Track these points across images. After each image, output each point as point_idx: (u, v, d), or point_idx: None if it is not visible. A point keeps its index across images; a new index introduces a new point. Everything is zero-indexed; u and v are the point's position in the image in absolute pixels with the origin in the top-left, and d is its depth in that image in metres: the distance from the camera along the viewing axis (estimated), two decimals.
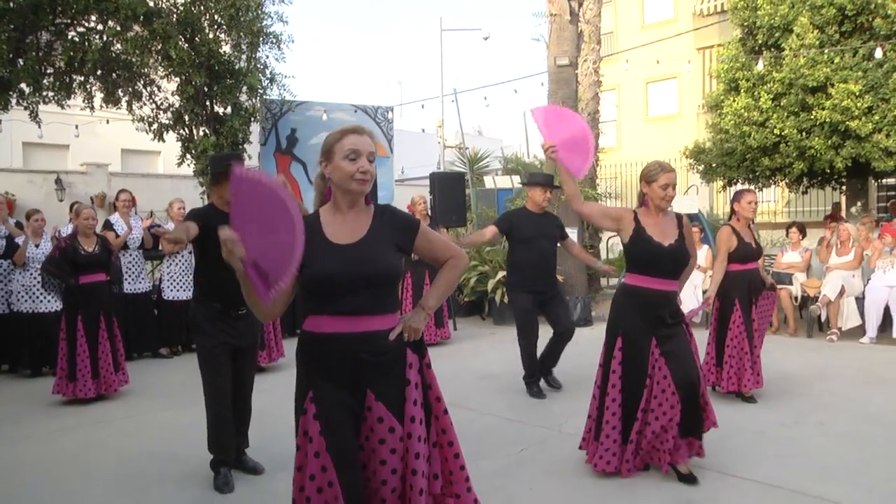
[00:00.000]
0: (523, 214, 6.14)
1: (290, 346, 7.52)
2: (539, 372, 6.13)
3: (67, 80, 10.18)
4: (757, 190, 12.26)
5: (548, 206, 6.15)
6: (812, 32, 11.36)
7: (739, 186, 14.29)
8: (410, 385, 2.49)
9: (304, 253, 2.24)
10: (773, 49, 11.98)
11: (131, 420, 5.71)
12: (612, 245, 14.71)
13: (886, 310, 8.13)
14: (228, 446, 4.08)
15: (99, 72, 10.24)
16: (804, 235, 9.44)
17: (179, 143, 11.13)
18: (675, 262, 3.95)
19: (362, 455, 2.45)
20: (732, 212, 5.89)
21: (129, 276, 8.00)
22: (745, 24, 12.49)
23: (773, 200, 17.59)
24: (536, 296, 5.94)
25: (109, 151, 17.84)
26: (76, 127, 13.90)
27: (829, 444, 4.57)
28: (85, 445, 5.03)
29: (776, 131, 11.34)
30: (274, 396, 5.75)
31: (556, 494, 3.87)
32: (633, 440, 3.92)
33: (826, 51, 11.24)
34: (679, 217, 4.10)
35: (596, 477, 3.99)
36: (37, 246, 7.49)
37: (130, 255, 8.05)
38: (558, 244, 6.20)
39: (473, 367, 7.38)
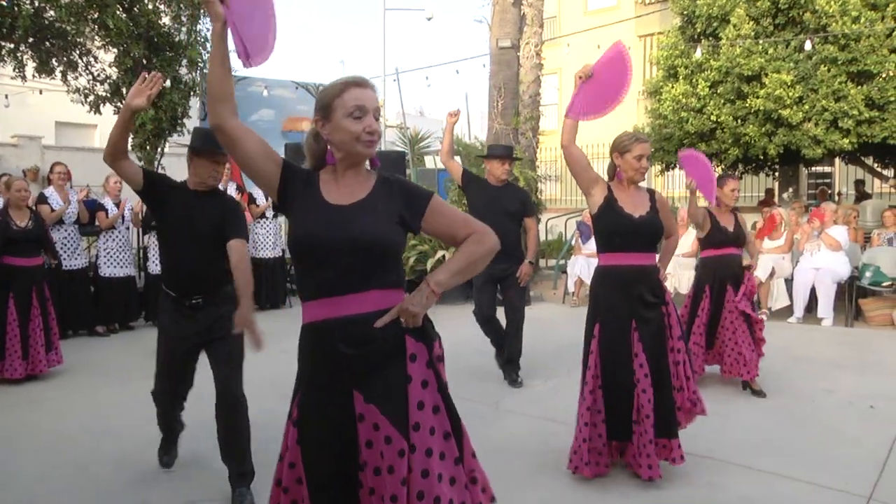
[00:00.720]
0: (481, 183, 5.75)
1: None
2: (504, 367, 5.84)
3: None
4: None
5: (508, 178, 5.78)
6: (748, 23, 11.70)
7: (679, 172, 14.66)
8: (413, 382, 2.00)
9: (296, 214, 2.04)
10: (711, 38, 12.29)
11: (65, 399, 5.57)
12: (551, 227, 14.93)
13: (813, 291, 8.48)
14: (166, 432, 3.92)
15: (31, 39, 9.86)
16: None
17: (116, 117, 10.81)
18: (649, 234, 3.73)
19: (364, 476, 2.00)
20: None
21: (65, 251, 7.75)
22: (685, 12, 12.77)
23: None
24: (492, 275, 5.51)
25: (43, 123, 17.17)
26: (6, 97, 13.35)
27: (758, 418, 4.80)
28: (17, 427, 4.91)
29: (713, 118, 11.67)
30: None
31: (493, 470, 3.91)
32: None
33: (761, 41, 11.59)
34: (651, 191, 3.89)
35: (527, 455, 4.06)
36: None
37: (66, 231, 7.80)
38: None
39: None
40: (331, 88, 2.09)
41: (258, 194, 9.55)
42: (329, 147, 2.12)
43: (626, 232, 3.67)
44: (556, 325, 8.27)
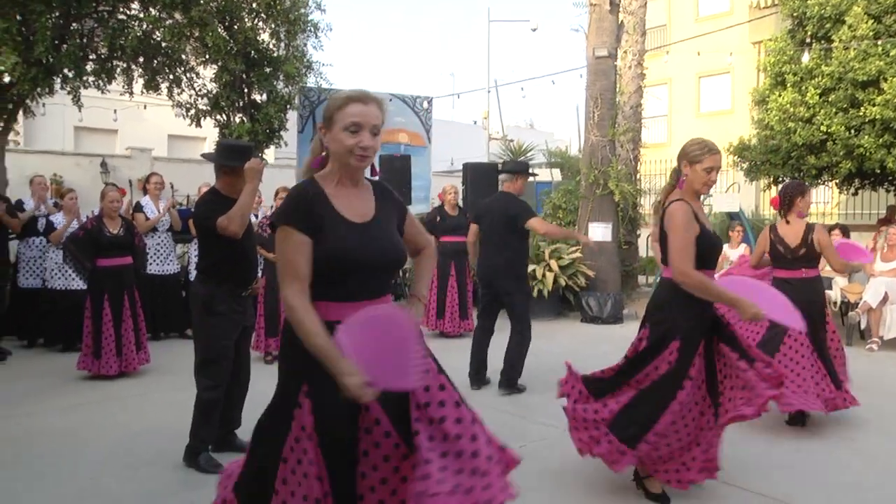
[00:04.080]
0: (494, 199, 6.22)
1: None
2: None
3: (109, 65, 10.43)
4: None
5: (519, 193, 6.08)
6: (866, 22, 10.85)
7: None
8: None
9: (325, 234, 2.14)
10: (822, 41, 11.51)
11: (144, 397, 5.83)
12: (652, 243, 14.39)
13: None
14: (211, 436, 4.15)
15: (140, 58, 10.48)
16: (847, 238, 9.06)
17: (217, 129, 11.33)
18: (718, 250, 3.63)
19: (363, 483, 2.14)
20: (793, 204, 5.08)
21: (158, 257, 8.16)
22: (795, 14, 12.01)
23: (823, 202, 16.97)
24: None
25: (156, 137, 18.28)
26: (114, 111, 14.28)
27: (852, 460, 4.33)
28: (92, 421, 5.15)
29: (823, 128, 10.88)
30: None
31: (547, 494, 3.78)
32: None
33: (880, 42, 10.73)
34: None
35: (590, 477, 3.87)
36: (70, 225, 7.68)
37: (159, 237, 8.20)
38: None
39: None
40: (335, 100, 2.23)
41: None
42: (323, 152, 2.30)
43: (713, 251, 3.52)
44: None
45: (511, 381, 5.89)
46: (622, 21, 11.24)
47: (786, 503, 3.61)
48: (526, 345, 5.90)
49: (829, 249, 5.03)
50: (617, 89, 11.35)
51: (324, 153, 2.31)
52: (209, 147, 19.68)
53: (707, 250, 3.42)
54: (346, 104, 2.18)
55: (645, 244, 13.52)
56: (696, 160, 3.45)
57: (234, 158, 4.10)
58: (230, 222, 3.90)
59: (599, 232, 10.50)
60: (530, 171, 6.44)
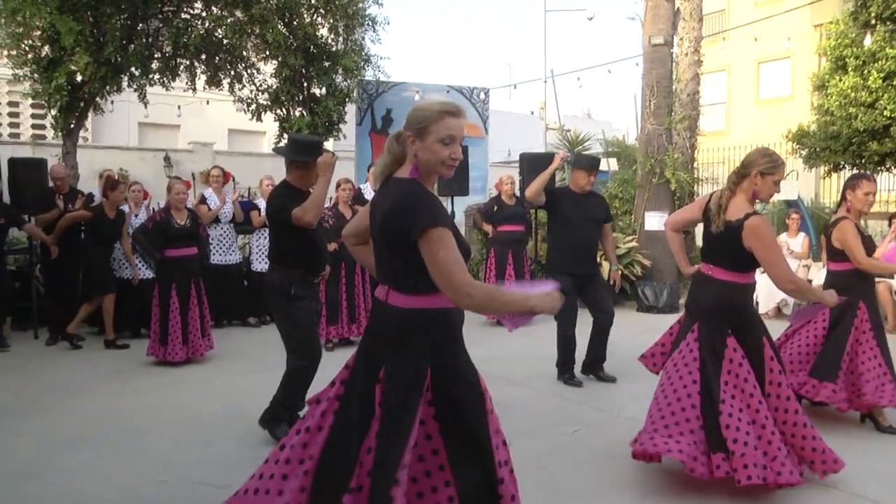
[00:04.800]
0: (566, 193, 5.96)
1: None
2: (589, 366, 6.01)
3: (173, 63, 10.80)
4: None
5: (590, 188, 5.95)
6: None
7: (849, 172, 13.46)
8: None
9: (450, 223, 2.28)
10: (888, 23, 11.16)
11: (209, 382, 6.10)
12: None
13: None
14: (297, 406, 4.31)
15: (203, 55, 10.83)
16: None
17: (277, 123, 11.62)
18: None
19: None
20: (843, 198, 4.82)
21: (221, 248, 8.49)
22: None
23: (887, 189, 16.47)
24: (575, 279, 5.69)
25: (217, 131, 18.80)
26: (178, 107, 14.79)
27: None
28: (165, 403, 5.45)
29: (886, 113, 10.57)
30: None
31: (599, 477, 3.87)
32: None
33: None
34: None
35: (642, 463, 3.93)
36: (136, 216, 8.00)
37: (221, 229, 8.50)
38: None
39: (543, 347, 7.31)
40: (428, 111, 2.32)
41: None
42: (414, 160, 2.37)
43: None
44: None
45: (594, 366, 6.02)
46: (678, 8, 11.11)
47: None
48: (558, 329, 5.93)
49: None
50: (673, 77, 11.24)
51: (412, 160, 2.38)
52: (269, 141, 20.28)
53: None
54: (442, 117, 2.30)
55: (700, 233, 13.34)
56: (769, 172, 3.61)
57: (306, 153, 4.31)
58: (305, 213, 4.13)
59: (656, 221, 10.44)
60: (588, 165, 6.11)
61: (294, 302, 4.24)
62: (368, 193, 9.69)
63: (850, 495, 3.59)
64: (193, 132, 18.11)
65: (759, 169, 3.59)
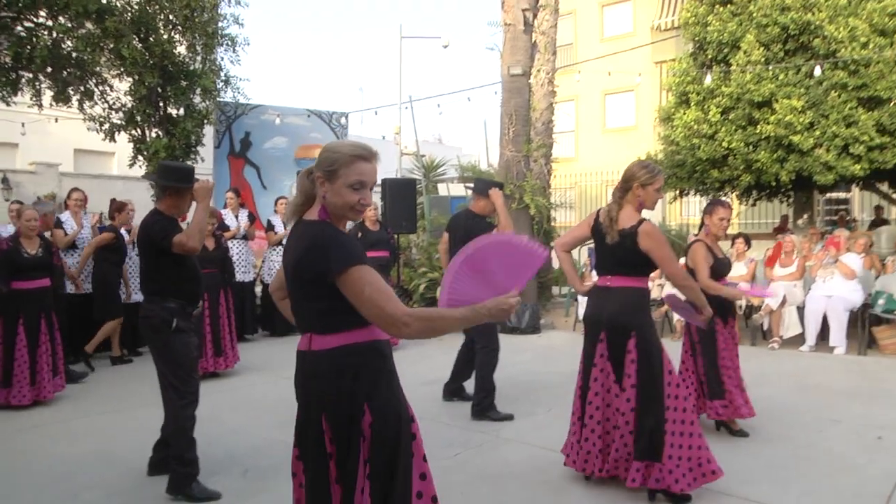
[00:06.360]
0: (461, 215, 5.87)
1: (243, 352, 7.56)
2: (455, 390, 6.13)
3: (14, 76, 9.98)
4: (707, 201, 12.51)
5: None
6: (758, 49, 11.69)
7: (692, 198, 14.56)
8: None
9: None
10: (721, 64, 12.28)
11: (74, 423, 5.63)
12: (582, 251, 14.74)
13: (825, 319, 8.36)
14: (195, 457, 4.03)
15: (49, 69, 10.07)
16: (749, 246, 9.64)
17: (132, 144, 11.00)
18: None
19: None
20: (703, 223, 5.25)
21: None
22: (697, 39, 12.80)
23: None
24: None
25: (62, 151, 17.51)
26: (22, 125, 13.64)
27: (760, 447, 4.73)
28: (14, 452, 4.95)
29: (724, 144, 11.62)
30: (225, 399, 5.70)
31: (486, 499, 3.92)
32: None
33: (771, 67, 11.56)
34: None
35: (527, 482, 4.02)
36: None
37: (79, 255, 7.92)
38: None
39: (419, 371, 7.34)
40: (339, 154, 2.24)
41: (276, 221, 9.60)
42: (322, 201, 2.28)
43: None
44: (564, 353, 8.17)
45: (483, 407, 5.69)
46: (535, 41, 11.60)
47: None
48: (494, 360, 5.67)
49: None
50: (530, 106, 11.70)
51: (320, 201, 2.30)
52: (119, 162, 19.13)
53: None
54: (353, 161, 2.23)
55: (579, 253, 13.85)
56: (649, 182, 3.85)
57: (182, 180, 4.21)
58: (189, 238, 4.01)
59: None
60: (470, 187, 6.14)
61: (178, 335, 4.02)
62: (278, 224, 9.41)
63: (718, 493, 3.85)
64: (36, 152, 16.76)
65: (640, 181, 3.84)
